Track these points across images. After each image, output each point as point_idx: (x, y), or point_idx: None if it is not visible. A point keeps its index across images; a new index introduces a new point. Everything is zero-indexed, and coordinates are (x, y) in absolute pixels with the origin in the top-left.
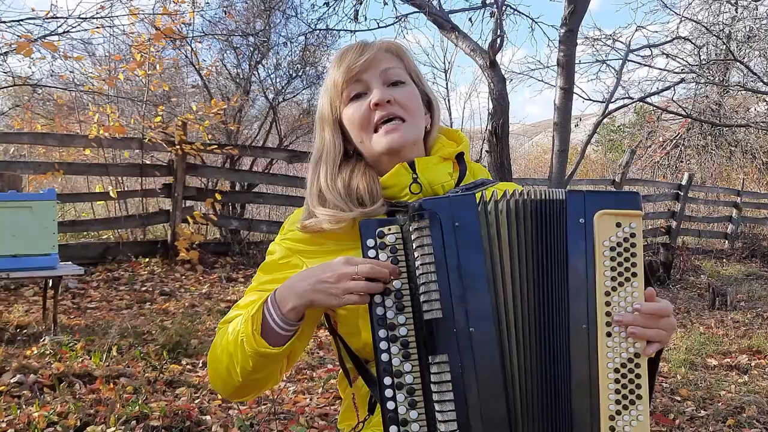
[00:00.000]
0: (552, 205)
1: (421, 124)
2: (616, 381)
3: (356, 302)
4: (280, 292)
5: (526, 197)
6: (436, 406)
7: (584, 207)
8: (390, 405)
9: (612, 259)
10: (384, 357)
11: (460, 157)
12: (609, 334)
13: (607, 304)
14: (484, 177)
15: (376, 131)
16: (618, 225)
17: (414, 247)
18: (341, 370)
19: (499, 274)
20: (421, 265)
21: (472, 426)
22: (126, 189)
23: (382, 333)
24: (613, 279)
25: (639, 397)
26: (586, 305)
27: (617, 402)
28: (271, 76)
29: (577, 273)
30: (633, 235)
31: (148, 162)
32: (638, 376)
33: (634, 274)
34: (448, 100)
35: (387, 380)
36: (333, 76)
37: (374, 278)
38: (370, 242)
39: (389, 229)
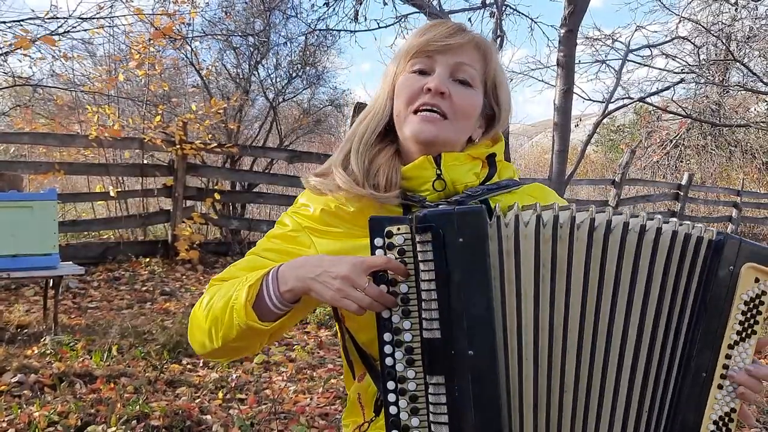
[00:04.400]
0: (681, 239)
1: (464, 131)
2: None
3: (351, 310)
4: (282, 270)
5: (578, 216)
6: (432, 427)
7: (737, 255)
8: (392, 410)
9: (743, 313)
10: (388, 361)
11: (491, 158)
12: (720, 387)
13: (727, 357)
14: (510, 177)
15: (415, 113)
16: (756, 280)
17: (419, 259)
18: (345, 362)
19: (513, 295)
20: (422, 281)
21: None
22: (126, 189)
23: (387, 336)
24: (738, 333)
25: None
26: (711, 354)
27: None
28: (271, 76)
29: (711, 320)
30: (765, 293)
31: (148, 162)
32: (729, 430)
33: (754, 332)
34: None
35: (390, 384)
36: (411, 41)
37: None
38: (378, 241)
39: (398, 229)
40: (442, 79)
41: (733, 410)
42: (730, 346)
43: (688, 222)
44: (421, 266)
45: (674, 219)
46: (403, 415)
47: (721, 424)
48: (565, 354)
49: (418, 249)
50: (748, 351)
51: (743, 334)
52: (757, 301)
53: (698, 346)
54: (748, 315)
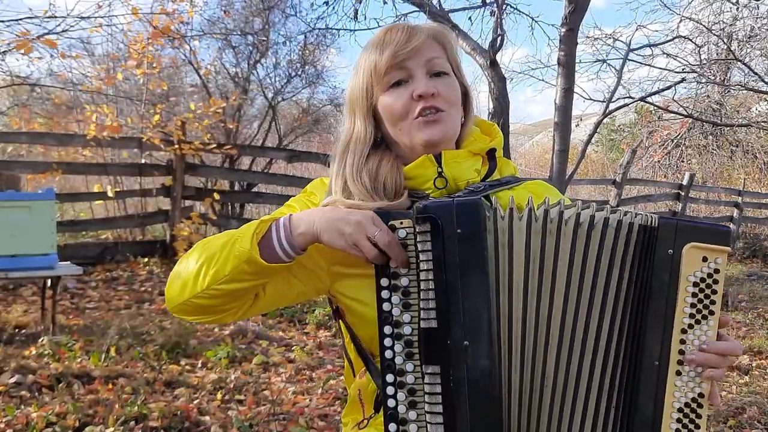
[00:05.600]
0: (623, 227)
1: (458, 116)
2: (678, 420)
3: (359, 257)
4: (297, 216)
5: (568, 209)
6: (428, 417)
7: (675, 237)
8: (391, 403)
9: (693, 295)
10: (388, 354)
11: (492, 153)
12: (679, 373)
13: (682, 342)
14: (512, 174)
15: (416, 119)
16: (704, 260)
17: (419, 249)
18: (346, 360)
19: (506, 286)
20: (421, 271)
21: None
22: (125, 189)
23: (387, 329)
24: (691, 316)
25: None
26: (661, 342)
27: None
28: (270, 75)
29: (656, 306)
30: (717, 272)
31: (146, 162)
32: (698, 416)
33: (712, 312)
34: None
35: (389, 378)
36: (374, 58)
37: (386, 253)
38: None
39: (401, 223)
40: (425, 81)
41: (700, 395)
42: (684, 330)
43: (634, 211)
44: (421, 256)
45: (619, 208)
46: (401, 408)
47: (688, 410)
48: (547, 348)
49: (418, 239)
50: (708, 333)
51: (698, 317)
52: (709, 281)
53: (647, 334)
54: (701, 296)
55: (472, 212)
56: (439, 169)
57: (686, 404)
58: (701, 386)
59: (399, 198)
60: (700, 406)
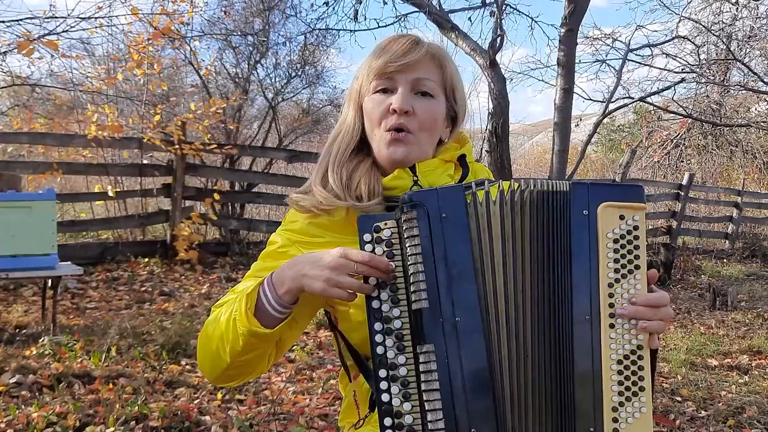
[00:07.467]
0: (556, 196)
1: (433, 139)
2: (619, 372)
3: (342, 297)
4: (277, 274)
5: (525, 189)
6: (424, 395)
7: (588, 199)
8: (385, 397)
9: (615, 251)
10: (379, 350)
11: (462, 159)
12: (612, 326)
13: (610, 296)
14: (486, 177)
15: (386, 132)
16: (621, 217)
17: (405, 237)
18: (342, 367)
19: (489, 265)
20: (410, 255)
21: (457, 414)
22: (125, 189)
23: (377, 326)
24: (616, 271)
25: (642, 389)
26: (589, 297)
27: (620, 393)
28: (270, 75)
29: (580, 265)
30: (636, 228)
31: (147, 162)
32: (641, 368)
33: (637, 267)
34: None
35: (382, 373)
36: (370, 62)
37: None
38: (367, 237)
39: (385, 224)
40: (404, 97)
41: (639, 347)
42: (611, 285)
43: (550, 179)
44: (407, 242)
45: (542, 179)
46: (396, 401)
47: (628, 362)
48: (524, 319)
49: (405, 227)
50: (637, 287)
51: (623, 271)
52: (630, 237)
53: (575, 292)
54: (624, 252)
55: (455, 197)
56: (415, 179)
57: (625, 356)
58: (638, 338)
59: (370, 201)
60: (641, 357)
